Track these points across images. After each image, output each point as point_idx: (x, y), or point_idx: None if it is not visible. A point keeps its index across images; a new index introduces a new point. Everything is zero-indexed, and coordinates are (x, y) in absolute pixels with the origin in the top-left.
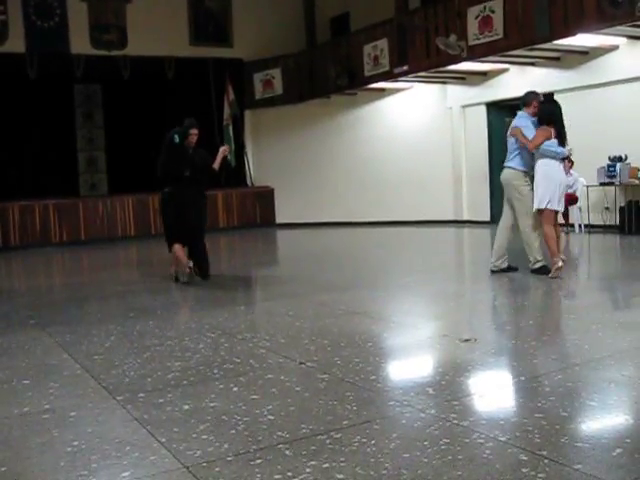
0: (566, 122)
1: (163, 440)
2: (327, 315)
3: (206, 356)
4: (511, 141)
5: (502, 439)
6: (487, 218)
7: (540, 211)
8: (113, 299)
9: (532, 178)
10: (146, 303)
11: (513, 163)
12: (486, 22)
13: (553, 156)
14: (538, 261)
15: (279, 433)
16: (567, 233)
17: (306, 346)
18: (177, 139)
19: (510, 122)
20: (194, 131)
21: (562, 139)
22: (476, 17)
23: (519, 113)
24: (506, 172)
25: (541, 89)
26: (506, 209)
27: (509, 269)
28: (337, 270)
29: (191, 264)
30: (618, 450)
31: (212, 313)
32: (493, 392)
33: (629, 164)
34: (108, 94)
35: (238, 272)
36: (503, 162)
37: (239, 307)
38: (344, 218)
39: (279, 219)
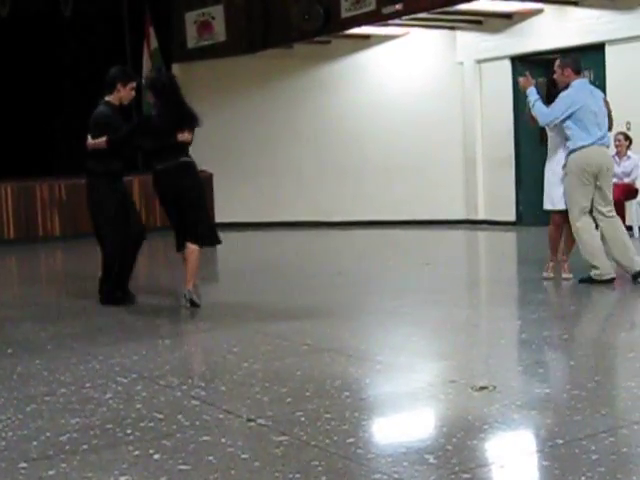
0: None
1: None
2: (286, 352)
3: (115, 410)
4: (603, 112)
5: None
6: (512, 217)
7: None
8: None
9: None
10: (31, 334)
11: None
12: None
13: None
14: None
15: None
16: None
17: (257, 396)
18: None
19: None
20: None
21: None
22: None
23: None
24: (607, 152)
25: (588, 38)
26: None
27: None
28: (301, 290)
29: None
30: None
31: (124, 349)
32: (519, 461)
33: None
34: None
35: (161, 291)
36: (568, 140)
37: (162, 340)
38: (312, 217)
39: (219, 217)
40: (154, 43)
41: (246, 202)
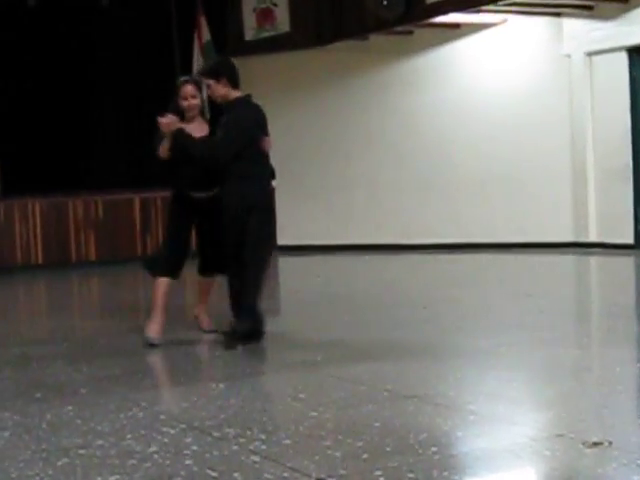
0: None
1: None
2: (363, 399)
3: (161, 466)
4: None
5: None
6: (629, 240)
7: None
8: (8, 369)
9: None
10: (63, 376)
11: None
12: None
13: None
14: None
15: None
16: None
17: (327, 451)
18: None
19: None
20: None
21: None
22: None
23: None
24: None
25: None
26: None
27: None
28: (379, 325)
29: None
30: None
31: (171, 394)
32: None
33: None
34: None
35: (214, 326)
36: None
37: (216, 384)
38: (390, 238)
39: (281, 239)
40: (206, 35)
41: (312, 221)
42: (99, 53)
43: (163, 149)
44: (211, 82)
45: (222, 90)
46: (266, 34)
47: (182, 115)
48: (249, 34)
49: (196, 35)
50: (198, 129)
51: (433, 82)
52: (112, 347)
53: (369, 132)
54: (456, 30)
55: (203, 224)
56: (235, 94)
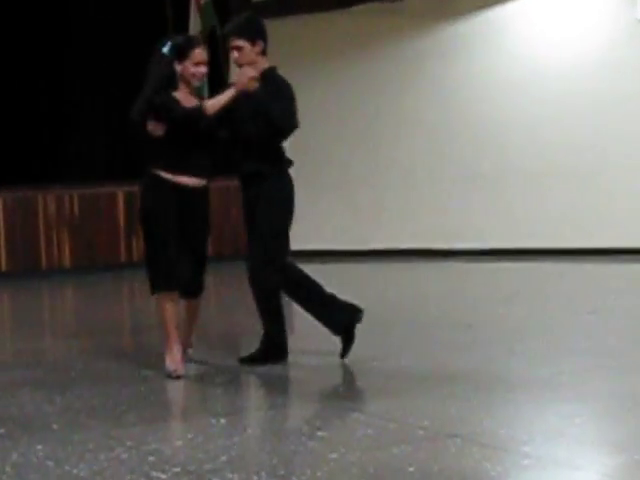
0: None
1: None
2: (393, 439)
3: None
4: None
5: None
6: None
7: None
8: None
9: None
10: (32, 407)
11: None
12: None
13: None
14: None
15: None
16: None
17: None
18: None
19: None
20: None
21: None
22: None
23: None
24: None
25: None
26: None
27: None
28: (413, 347)
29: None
30: None
31: (162, 431)
32: None
33: None
34: None
35: (214, 345)
36: None
37: (217, 420)
38: (428, 243)
39: (299, 243)
40: None
41: (332, 221)
42: (74, 20)
43: (155, 126)
44: (244, 44)
45: (254, 57)
46: None
47: (173, 83)
48: None
49: None
50: (187, 100)
51: (480, 53)
52: (90, 373)
53: (402, 113)
54: None
55: (190, 222)
56: (265, 63)
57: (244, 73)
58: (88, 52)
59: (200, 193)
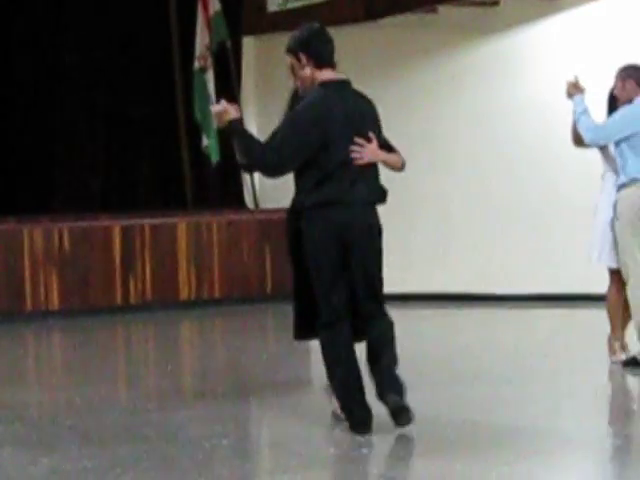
0: None
1: None
2: None
3: None
4: None
5: None
6: None
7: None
8: None
9: None
10: (14, 470)
11: None
12: None
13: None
14: None
15: None
16: None
17: None
18: None
19: None
20: None
21: None
22: None
23: None
24: None
25: None
26: None
27: None
28: (447, 404)
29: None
30: None
31: None
32: None
33: None
34: None
35: (218, 395)
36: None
37: None
38: (462, 287)
39: None
40: (215, 5)
41: None
42: (70, 39)
43: None
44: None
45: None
46: (297, 4)
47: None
48: (273, 4)
49: (201, 4)
50: None
51: (524, 70)
52: (80, 430)
53: (434, 139)
54: (556, 1)
55: None
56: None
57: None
58: (84, 74)
59: None
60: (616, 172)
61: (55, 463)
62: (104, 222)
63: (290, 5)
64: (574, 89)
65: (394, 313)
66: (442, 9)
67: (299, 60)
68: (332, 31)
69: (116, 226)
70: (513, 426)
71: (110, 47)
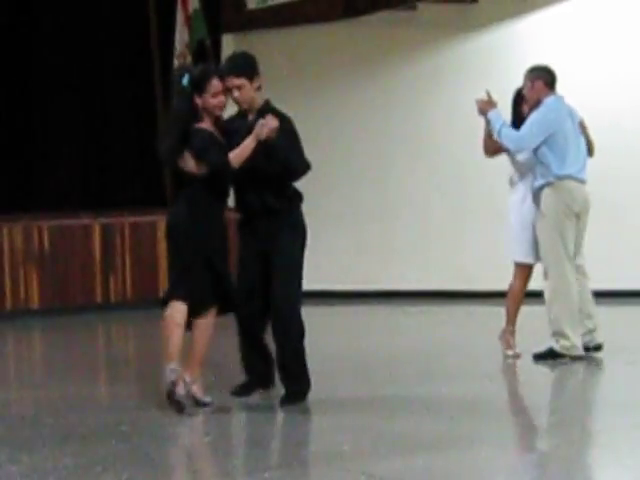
0: None
1: None
2: None
3: None
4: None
5: None
6: None
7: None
8: None
9: None
10: None
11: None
12: None
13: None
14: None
15: None
16: None
17: None
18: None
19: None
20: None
21: None
22: None
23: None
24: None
25: None
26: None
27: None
28: (427, 403)
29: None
30: None
31: None
32: None
33: None
34: None
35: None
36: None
37: None
38: (445, 284)
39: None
40: (194, 3)
41: (337, 259)
42: (48, 40)
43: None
44: (244, 82)
45: (253, 93)
46: (276, 1)
47: (197, 116)
48: (253, 0)
49: (180, 2)
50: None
51: (504, 69)
52: (61, 428)
53: (416, 138)
54: None
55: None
56: (260, 99)
57: (268, 124)
58: (63, 74)
59: None
60: (524, 175)
61: (35, 462)
62: (84, 220)
63: (269, 2)
64: (488, 105)
65: (372, 312)
66: (421, 6)
67: (252, 82)
68: (311, 28)
69: (96, 224)
70: (494, 421)
71: (89, 46)
